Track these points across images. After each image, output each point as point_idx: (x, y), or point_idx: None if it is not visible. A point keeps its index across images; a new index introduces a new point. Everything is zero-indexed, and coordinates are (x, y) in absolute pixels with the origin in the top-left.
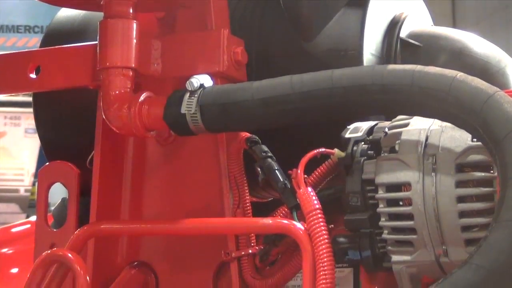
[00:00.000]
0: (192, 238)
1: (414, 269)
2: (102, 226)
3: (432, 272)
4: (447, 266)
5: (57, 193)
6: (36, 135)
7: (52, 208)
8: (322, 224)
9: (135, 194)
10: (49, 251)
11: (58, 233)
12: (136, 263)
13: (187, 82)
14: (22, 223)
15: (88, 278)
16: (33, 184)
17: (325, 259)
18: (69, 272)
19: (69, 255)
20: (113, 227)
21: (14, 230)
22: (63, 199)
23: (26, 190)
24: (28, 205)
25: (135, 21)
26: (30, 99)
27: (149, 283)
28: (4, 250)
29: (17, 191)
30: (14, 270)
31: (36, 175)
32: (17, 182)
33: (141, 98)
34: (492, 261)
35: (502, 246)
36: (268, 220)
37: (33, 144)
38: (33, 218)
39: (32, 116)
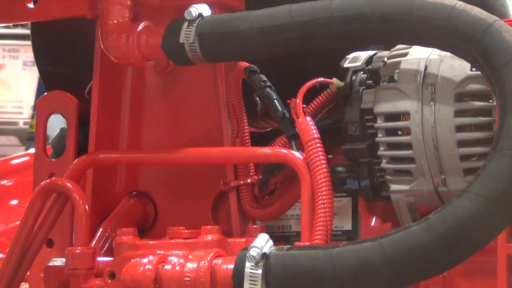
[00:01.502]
0: (190, 167)
1: (412, 198)
2: (100, 156)
3: (431, 201)
4: (445, 195)
5: (56, 126)
6: (35, 68)
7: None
8: (320, 153)
9: (134, 124)
10: (48, 180)
11: (57, 163)
12: (135, 192)
13: (186, 11)
14: (21, 155)
15: (87, 207)
16: (32, 117)
17: (324, 188)
18: (68, 202)
19: (68, 184)
20: (111, 156)
21: (13, 162)
22: (62, 129)
23: (25, 123)
24: (27, 138)
25: None
26: (28, 31)
27: (148, 212)
28: (4, 182)
29: (16, 123)
30: (14, 202)
31: (35, 108)
32: (16, 114)
33: (140, 27)
34: (491, 190)
35: (501, 174)
36: (266, 150)
37: (31, 76)
38: (32, 150)
39: (30, 49)
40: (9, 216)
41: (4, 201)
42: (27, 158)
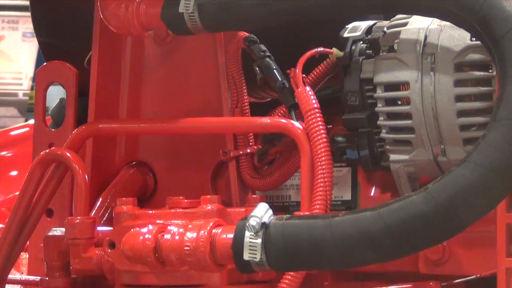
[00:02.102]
0: (190, 137)
1: (412, 168)
2: (100, 126)
3: (430, 171)
4: (445, 165)
5: (56, 98)
6: (34, 39)
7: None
8: (320, 123)
9: (133, 94)
10: (47, 150)
11: (57, 133)
12: (134, 162)
13: None
14: (21, 126)
15: (86, 177)
16: (32, 88)
17: (323, 158)
18: (67, 172)
19: (68, 154)
20: (111, 126)
21: (13, 133)
22: (61, 100)
23: (24, 94)
24: (26, 109)
25: None
26: (27, 2)
27: (147, 182)
28: (3, 153)
29: (15, 95)
30: (14, 173)
31: (34, 79)
32: (15, 86)
33: None
34: (490, 160)
35: (501, 144)
36: (266, 120)
37: (31, 48)
38: (32, 121)
39: (29, 20)
40: (9, 187)
41: (4, 172)
42: (27, 129)
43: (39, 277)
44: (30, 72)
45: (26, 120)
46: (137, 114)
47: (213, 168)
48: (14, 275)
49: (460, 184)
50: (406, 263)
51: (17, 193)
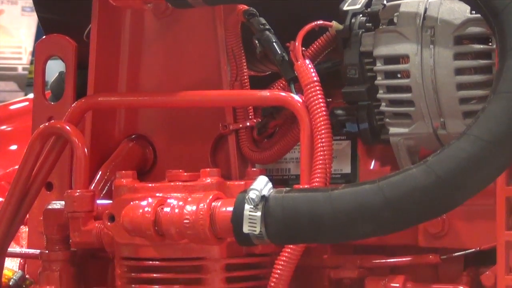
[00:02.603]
0: (190, 111)
1: (411, 141)
2: (99, 99)
3: (430, 144)
4: (444, 138)
5: (55, 72)
6: (34, 14)
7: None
8: (320, 96)
9: (133, 67)
10: (46, 124)
11: (56, 106)
12: (134, 136)
13: None
14: (21, 100)
15: (86, 150)
16: (31, 63)
17: (323, 131)
18: (67, 145)
19: (67, 127)
20: (110, 99)
21: (12, 107)
22: (61, 73)
23: (24, 69)
24: (26, 84)
25: None
26: None
27: (147, 155)
28: (3, 127)
29: (15, 69)
30: (13, 147)
31: (33, 54)
32: (15, 60)
33: None
34: (490, 132)
35: (500, 117)
36: (265, 93)
37: (30, 22)
38: (32, 96)
39: None
40: (9, 161)
41: (4, 146)
42: (26, 103)
43: (39, 251)
44: (30, 47)
45: (25, 95)
46: (136, 87)
47: (213, 141)
48: (13, 248)
49: (460, 157)
50: (405, 236)
51: (16, 167)
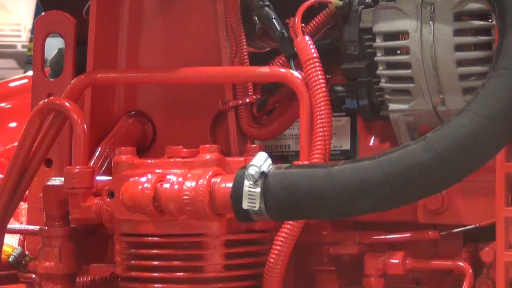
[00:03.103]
0: (189, 87)
1: (411, 118)
2: (99, 75)
3: (429, 120)
4: (444, 114)
5: (54, 50)
6: None
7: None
8: (319, 72)
9: (132, 44)
10: (46, 100)
11: (55, 83)
12: (133, 112)
13: None
14: (20, 77)
15: (85, 126)
16: (30, 40)
17: (322, 108)
18: (66, 121)
19: (66, 103)
20: (110, 75)
21: (12, 84)
22: (60, 50)
23: (23, 46)
24: (25, 61)
25: None
26: None
27: (146, 132)
28: (2, 104)
29: (14, 46)
30: (12, 124)
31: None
32: (14, 38)
33: None
34: (489, 109)
35: (500, 93)
36: (265, 69)
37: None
38: (31, 73)
39: None
40: (8, 138)
41: (3, 124)
42: (26, 81)
43: (38, 227)
44: (29, 24)
45: (25, 72)
46: (135, 64)
47: (212, 117)
48: (13, 224)
49: (459, 133)
50: (405, 213)
51: (16, 143)
